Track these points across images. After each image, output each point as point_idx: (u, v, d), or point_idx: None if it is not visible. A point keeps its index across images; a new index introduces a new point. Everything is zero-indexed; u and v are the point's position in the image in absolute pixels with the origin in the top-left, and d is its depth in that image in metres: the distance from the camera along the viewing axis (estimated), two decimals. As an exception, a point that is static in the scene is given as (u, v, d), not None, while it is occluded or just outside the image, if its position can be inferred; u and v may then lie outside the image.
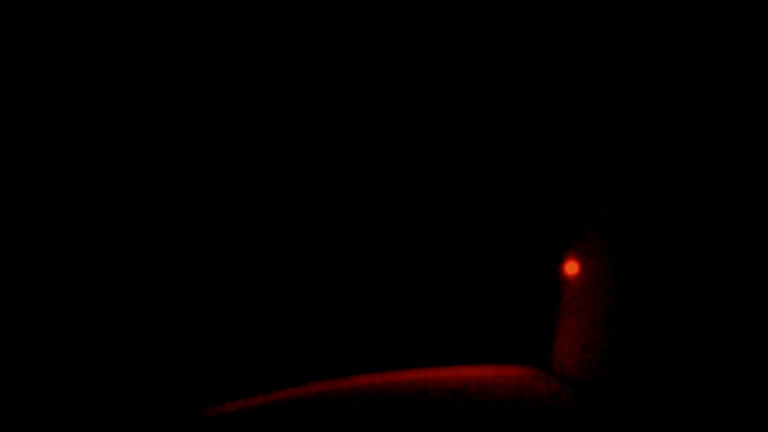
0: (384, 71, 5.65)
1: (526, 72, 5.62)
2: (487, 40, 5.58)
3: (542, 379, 5.42)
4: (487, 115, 5.73)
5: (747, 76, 4.04)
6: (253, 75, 5.20)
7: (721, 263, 4.14)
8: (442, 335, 5.88)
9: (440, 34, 5.63)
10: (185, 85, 4.79)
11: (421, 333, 5.85)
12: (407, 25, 5.52)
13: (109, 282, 4.03)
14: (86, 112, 4.01)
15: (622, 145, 4.97)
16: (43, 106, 3.94)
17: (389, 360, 5.73)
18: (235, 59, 5.12)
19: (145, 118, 4.49)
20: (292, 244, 5.65)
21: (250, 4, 4.81)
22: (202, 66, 4.99)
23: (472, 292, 5.91)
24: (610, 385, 4.84)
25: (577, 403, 4.67)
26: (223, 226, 5.29)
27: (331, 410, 4.66)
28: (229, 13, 4.89)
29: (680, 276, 4.36)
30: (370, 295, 5.74)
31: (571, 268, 5.46)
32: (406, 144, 5.76)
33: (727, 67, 4.15)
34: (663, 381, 4.41)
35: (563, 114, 5.60)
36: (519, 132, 5.75)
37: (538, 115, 5.67)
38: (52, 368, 3.88)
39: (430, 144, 5.78)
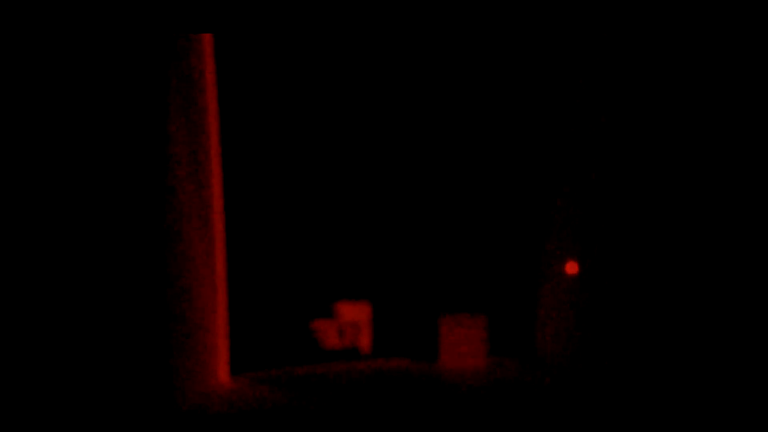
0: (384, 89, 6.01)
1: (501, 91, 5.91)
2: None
3: (524, 366, 5.81)
4: (457, 137, 6.06)
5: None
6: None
7: (674, 270, 4.46)
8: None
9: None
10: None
11: (418, 330, 6.26)
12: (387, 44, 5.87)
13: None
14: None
15: (592, 155, 5.27)
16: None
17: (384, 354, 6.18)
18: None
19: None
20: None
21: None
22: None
23: (469, 292, 6.29)
24: (583, 370, 5.21)
25: (553, 386, 5.06)
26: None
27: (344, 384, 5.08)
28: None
29: (642, 278, 4.69)
30: (367, 294, 6.17)
31: (551, 269, 5.81)
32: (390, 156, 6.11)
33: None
34: (630, 367, 4.76)
35: (541, 124, 5.92)
36: (492, 144, 6.09)
37: (516, 127, 6.01)
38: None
39: (414, 152, 6.14)
